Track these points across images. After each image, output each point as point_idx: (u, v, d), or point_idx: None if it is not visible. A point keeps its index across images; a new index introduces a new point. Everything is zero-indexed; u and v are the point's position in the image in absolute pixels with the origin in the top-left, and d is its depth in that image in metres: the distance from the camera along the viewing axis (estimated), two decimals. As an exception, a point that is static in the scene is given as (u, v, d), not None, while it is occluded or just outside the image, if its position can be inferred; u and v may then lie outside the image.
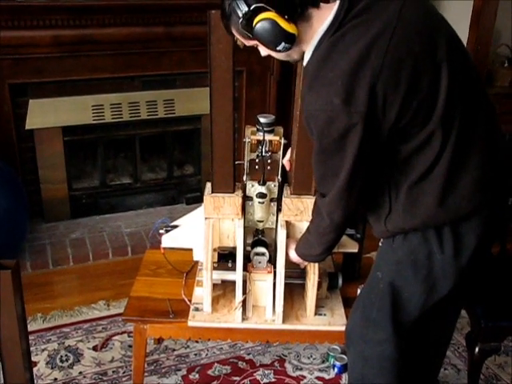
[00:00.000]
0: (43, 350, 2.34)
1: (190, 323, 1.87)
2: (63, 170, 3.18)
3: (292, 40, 1.30)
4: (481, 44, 3.51)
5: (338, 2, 1.30)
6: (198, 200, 3.59)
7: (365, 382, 1.58)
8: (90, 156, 3.37)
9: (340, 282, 2.02)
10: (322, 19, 1.30)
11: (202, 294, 1.91)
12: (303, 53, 1.39)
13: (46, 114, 3.01)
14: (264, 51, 1.41)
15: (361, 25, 1.26)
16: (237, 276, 1.85)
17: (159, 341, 2.36)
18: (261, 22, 1.27)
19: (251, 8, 1.27)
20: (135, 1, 3.00)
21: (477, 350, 1.93)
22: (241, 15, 1.28)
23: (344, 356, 2.28)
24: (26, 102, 2.96)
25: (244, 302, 1.88)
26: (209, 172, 3.54)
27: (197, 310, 1.91)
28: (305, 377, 2.25)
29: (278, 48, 1.32)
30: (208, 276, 1.85)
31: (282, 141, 1.86)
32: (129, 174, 3.48)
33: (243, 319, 1.88)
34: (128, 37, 3.03)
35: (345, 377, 2.24)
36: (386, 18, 1.26)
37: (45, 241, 3.09)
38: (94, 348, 2.36)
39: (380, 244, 1.57)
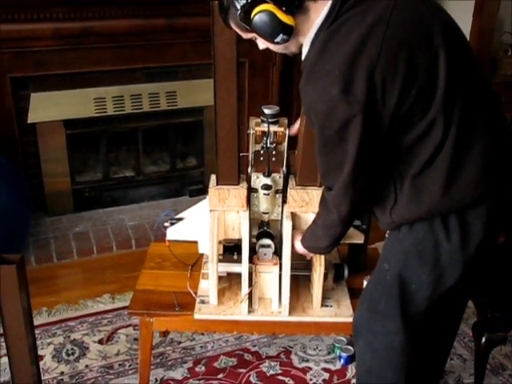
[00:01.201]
0: (49, 344, 2.34)
1: (196, 316, 1.86)
2: (66, 163, 3.17)
3: (290, 32, 1.30)
4: (484, 32, 3.49)
5: None
6: (201, 192, 3.58)
7: (373, 374, 1.58)
8: (93, 149, 3.36)
9: (346, 273, 2.01)
10: (319, 11, 1.30)
11: (208, 286, 1.91)
12: (301, 45, 1.39)
13: (48, 107, 2.99)
14: (262, 44, 1.41)
15: (356, 15, 1.26)
16: (243, 268, 1.84)
17: (165, 334, 2.36)
18: (259, 14, 1.27)
19: (249, 0, 1.26)
20: (136, -8, 3.00)
21: (483, 340, 1.93)
22: (239, 7, 1.28)
23: (350, 347, 2.28)
24: (27, 95, 2.95)
25: (250, 294, 1.88)
26: (212, 164, 3.54)
27: (203, 302, 1.90)
28: (311, 368, 2.25)
29: (275, 40, 1.31)
30: (214, 268, 1.84)
31: (287, 132, 1.84)
32: (131, 167, 3.47)
33: (249, 311, 1.87)
34: (129, 29, 3.02)
35: (351, 368, 2.24)
36: (381, 8, 1.26)
37: (48, 235, 3.08)
38: (100, 341, 2.36)
39: (386, 235, 1.56)
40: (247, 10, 1.27)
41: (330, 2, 1.28)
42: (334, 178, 1.38)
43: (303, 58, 1.37)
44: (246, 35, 1.38)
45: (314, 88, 1.26)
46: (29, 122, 2.98)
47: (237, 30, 1.38)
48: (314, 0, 1.29)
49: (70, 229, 3.15)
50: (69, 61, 2.97)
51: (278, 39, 1.30)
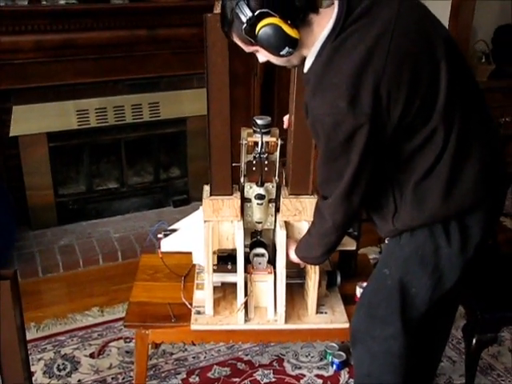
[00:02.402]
0: (39, 360, 2.31)
1: (193, 327, 1.86)
2: (49, 176, 3.14)
3: (295, 44, 1.32)
4: (459, 40, 3.58)
5: (336, 8, 1.32)
6: (186, 202, 3.59)
7: (372, 378, 1.60)
8: (76, 161, 3.34)
9: (339, 279, 2.03)
10: (322, 24, 1.33)
11: (203, 297, 1.91)
12: (303, 58, 1.41)
13: (30, 120, 2.97)
14: (263, 57, 1.42)
15: (361, 29, 1.29)
16: (238, 278, 1.85)
17: (157, 345, 2.35)
18: (264, 28, 1.28)
19: (255, 14, 1.27)
20: (117, 4, 2.99)
21: (474, 341, 1.97)
22: (244, 21, 1.29)
23: (342, 353, 2.30)
24: (9, 108, 2.92)
25: (245, 304, 1.89)
26: (195, 174, 3.56)
27: (198, 313, 1.91)
28: (304, 375, 2.26)
29: (281, 53, 1.33)
30: (209, 279, 1.85)
31: (279, 142, 1.87)
32: (115, 179, 3.46)
33: (245, 321, 1.88)
34: (111, 40, 3.02)
35: (344, 373, 2.27)
36: (384, 21, 1.29)
37: (33, 248, 3.05)
38: (91, 355, 2.34)
39: (386, 241, 1.59)
40: (253, 23, 1.28)
41: (334, 16, 1.31)
42: (332, 187, 1.41)
43: (305, 70, 1.39)
44: (248, 48, 1.39)
45: (321, 101, 1.29)
46: (11, 135, 2.95)
47: (239, 43, 1.39)
48: (316, 13, 1.32)
49: (54, 242, 3.11)
50: (51, 73, 2.95)
51: (283, 52, 1.32)
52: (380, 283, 1.54)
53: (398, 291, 1.49)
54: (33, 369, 2.23)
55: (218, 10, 2.86)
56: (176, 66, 3.24)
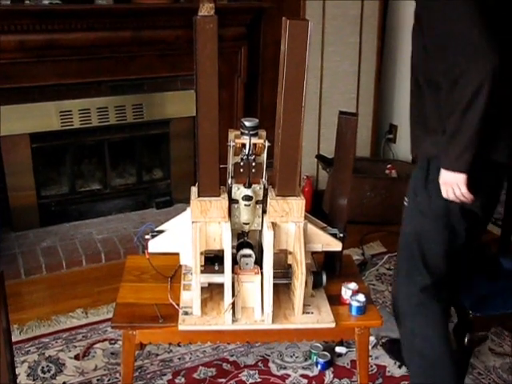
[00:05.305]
0: (23, 362, 2.29)
1: (181, 327, 1.87)
2: (31, 177, 3.12)
3: None
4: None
5: None
6: (168, 204, 3.59)
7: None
8: (59, 162, 3.32)
9: (324, 279, 2.05)
10: None
11: (190, 297, 1.92)
12: None
13: (13, 120, 2.95)
14: None
15: None
16: (225, 278, 1.86)
17: (142, 346, 2.34)
18: None
19: None
20: (102, 5, 2.99)
21: (466, 340, 2.00)
22: None
23: (326, 353, 2.33)
24: (-9, 109, 2.90)
25: (233, 304, 1.90)
26: (178, 176, 3.56)
27: (186, 313, 1.91)
28: (289, 375, 2.28)
29: None
30: (197, 279, 1.86)
31: (266, 143, 1.88)
32: (98, 180, 3.45)
33: (233, 321, 1.89)
34: (95, 41, 3.01)
35: (328, 373, 2.29)
36: None
37: (15, 250, 3.02)
38: (76, 357, 2.33)
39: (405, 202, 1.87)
40: None
41: None
42: (462, 47, 1.50)
43: None
44: None
45: None
46: (-7, 135, 2.93)
47: None
48: None
49: (37, 244, 3.09)
50: (34, 73, 2.93)
51: None
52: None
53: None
54: (16, 371, 2.21)
55: (203, 11, 2.88)
56: (160, 68, 3.25)
